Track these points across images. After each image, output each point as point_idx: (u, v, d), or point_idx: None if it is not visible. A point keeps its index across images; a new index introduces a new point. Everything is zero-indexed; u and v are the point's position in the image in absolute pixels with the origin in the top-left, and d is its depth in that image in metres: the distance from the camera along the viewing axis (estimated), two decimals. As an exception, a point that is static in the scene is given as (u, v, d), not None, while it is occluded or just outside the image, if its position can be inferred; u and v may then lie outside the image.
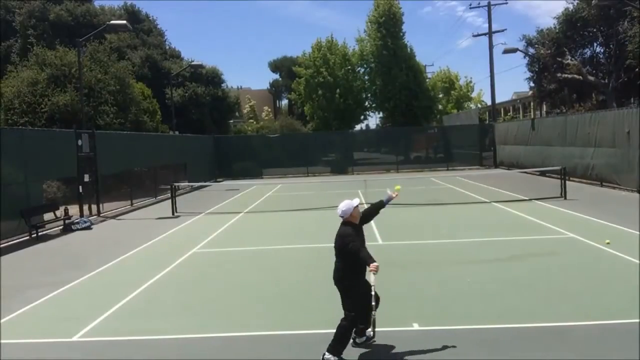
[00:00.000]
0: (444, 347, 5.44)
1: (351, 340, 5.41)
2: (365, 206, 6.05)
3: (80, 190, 16.70)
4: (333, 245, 5.35)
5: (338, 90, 40.85)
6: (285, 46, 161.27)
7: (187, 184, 24.66)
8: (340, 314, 5.31)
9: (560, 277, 7.95)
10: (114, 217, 17.45)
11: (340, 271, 5.30)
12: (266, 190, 23.72)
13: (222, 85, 42.69)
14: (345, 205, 5.34)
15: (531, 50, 37.01)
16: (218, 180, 31.50)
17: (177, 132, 30.71)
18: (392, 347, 5.55)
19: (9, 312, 7.30)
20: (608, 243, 9.64)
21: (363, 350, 5.52)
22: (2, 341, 6.15)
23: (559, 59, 34.70)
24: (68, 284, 8.70)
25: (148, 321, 6.79)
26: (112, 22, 22.75)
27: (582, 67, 34.14)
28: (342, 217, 5.37)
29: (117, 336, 6.26)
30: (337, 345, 5.17)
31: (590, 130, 20.14)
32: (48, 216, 14.90)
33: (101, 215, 17.58)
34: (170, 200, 17.69)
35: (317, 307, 6.98)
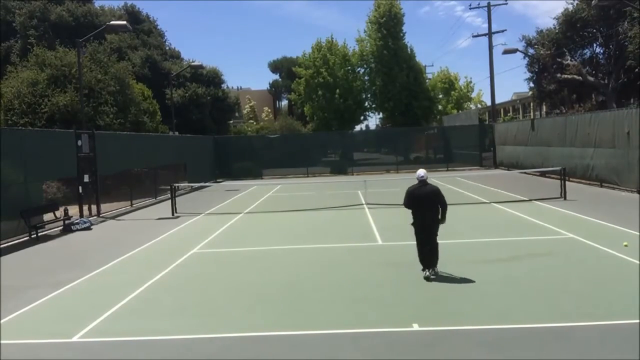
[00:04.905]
0: (444, 347, 5.43)
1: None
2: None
3: (80, 191, 16.70)
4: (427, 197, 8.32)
5: (338, 91, 40.82)
6: (285, 46, 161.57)
7: (187, 184, 24.68)
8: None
9: (560, 277, 7.95)
10: (113, 217, 17.45)
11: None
12: (266, 191, 23.71)
13: (222, 85, 42.75)
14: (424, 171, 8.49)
15: (531, 51, 37.01)
16: (218, 180, 31.50)
17: (177, 133, 30.71)
18: (392, 347, 5.55)
19: (9, 312, 7.30)
20: (626, 245, 9.50)
21: (363, 350, 5.53)
22: (2, 341, 6.15)
23: (559, 60, 34.71)
24: (68, 284, 8.71)
25: (148, 321, 6.79)
26: (112, 22, 22.72)
27: (582, 67, 34.13)
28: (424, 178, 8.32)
29: (117, 336, 6.26)
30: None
31: (590, 131, 20.13)
32: (48, 216, 14.90)
33: (101, 215, 17.59)
34: (170, 201, 17.70)
35: (317, 308, 6.99)
